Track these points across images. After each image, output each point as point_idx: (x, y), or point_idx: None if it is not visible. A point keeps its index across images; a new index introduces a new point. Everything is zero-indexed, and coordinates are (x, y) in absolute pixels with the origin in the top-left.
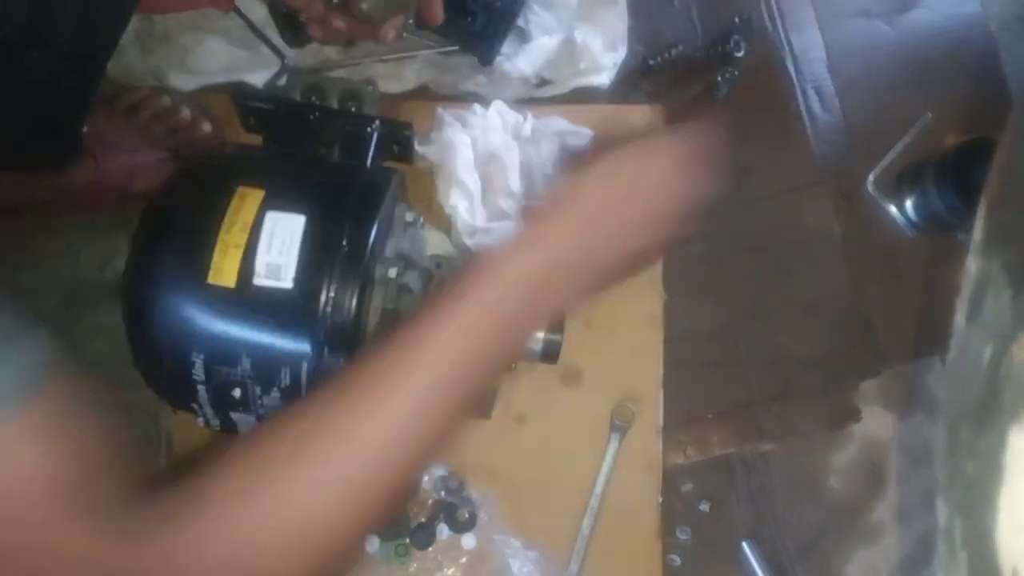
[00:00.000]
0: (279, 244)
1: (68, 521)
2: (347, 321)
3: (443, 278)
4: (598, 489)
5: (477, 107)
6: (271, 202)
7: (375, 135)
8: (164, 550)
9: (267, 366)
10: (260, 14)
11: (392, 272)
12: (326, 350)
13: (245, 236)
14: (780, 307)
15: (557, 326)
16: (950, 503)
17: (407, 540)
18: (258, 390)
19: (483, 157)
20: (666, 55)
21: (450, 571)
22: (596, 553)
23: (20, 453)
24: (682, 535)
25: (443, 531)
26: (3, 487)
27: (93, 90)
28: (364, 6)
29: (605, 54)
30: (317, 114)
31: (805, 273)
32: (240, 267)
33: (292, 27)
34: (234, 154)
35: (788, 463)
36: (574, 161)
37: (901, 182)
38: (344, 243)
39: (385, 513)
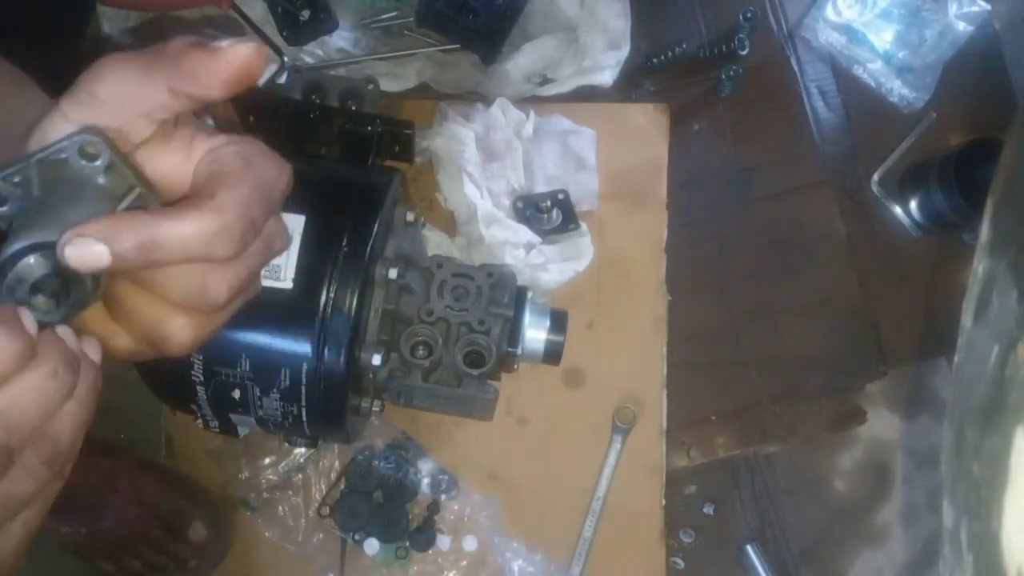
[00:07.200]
0: None
1: None
2: (347, 321)
3: (444, 278)
4: (600, 491)
5: (479, 105)
6: None
7: (376, 134)
8: None
9: (266, 367)
10: (259, 12)
11: (392, 272)
12: (326, 351)
13: None
14: (784, 308)
15: (560, 327)
16: (956, 505)
17: (407, 543)
18: (257, 391)
19: (485, 155)
20: (669, 53)
21: (451, 574)
22: (598, 556)
23: None
24: (686, 538)
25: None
26: None
27: None
28: None
29: (608, 52)
30: (317, 113)
31: (809, 273)
32: None
33: (292, 25)
34: None
35: (792, 465)
36: None
37: (905, 182)
38: (344, 243)
39: None
